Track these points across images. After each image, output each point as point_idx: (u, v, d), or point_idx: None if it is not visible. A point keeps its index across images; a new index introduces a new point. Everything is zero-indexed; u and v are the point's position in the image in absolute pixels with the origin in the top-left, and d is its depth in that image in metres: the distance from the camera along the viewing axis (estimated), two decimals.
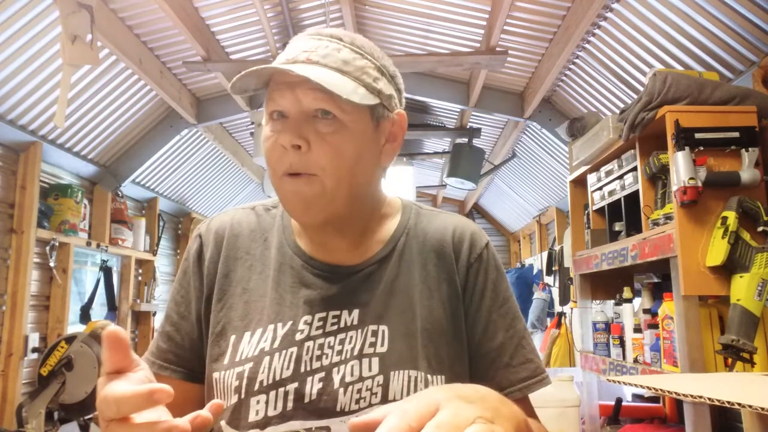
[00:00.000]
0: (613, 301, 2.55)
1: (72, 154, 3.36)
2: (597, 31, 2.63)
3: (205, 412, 0.56)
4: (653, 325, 1.96)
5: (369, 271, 0.83)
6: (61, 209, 3.29)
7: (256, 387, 0.75)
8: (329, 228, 0.82)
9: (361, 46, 0.79)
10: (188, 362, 0.83)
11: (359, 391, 0.74)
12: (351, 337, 0.78)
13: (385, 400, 0.74)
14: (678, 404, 2.42)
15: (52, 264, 3.24)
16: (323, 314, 0.79)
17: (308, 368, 0.76)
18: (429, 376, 0.77)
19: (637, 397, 2.86)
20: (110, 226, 3.85)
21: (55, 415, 2.99)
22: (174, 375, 0.83)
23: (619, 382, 1.46)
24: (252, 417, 0.75)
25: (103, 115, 3.28)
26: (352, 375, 0.75)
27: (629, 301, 2.28)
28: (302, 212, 0.77)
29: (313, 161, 0.74)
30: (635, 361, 2.09)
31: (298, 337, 0.78)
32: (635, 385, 1.13)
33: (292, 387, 0.75)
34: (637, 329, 2.10)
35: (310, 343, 0.77)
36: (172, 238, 5.04)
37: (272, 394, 0.75)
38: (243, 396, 0.75)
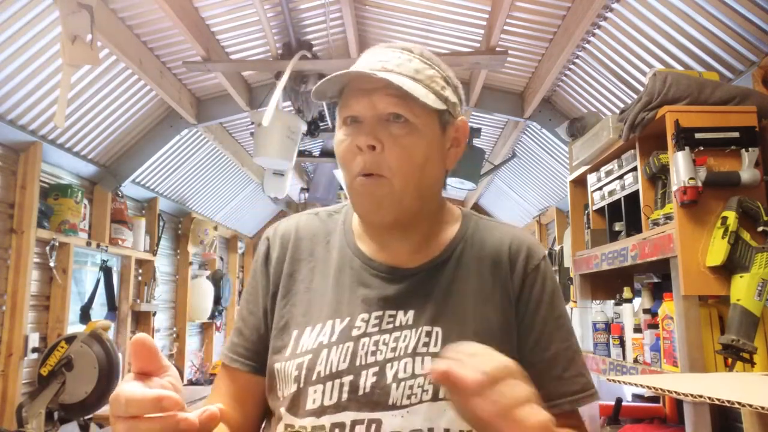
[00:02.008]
0: (613, 301, 2.55)
1: (72, 154, 3.36)
2: (597, 31, 2.63)
3: (213, 408, 0.60)
4: (653, 325, 1.96)
5: (426, 275, 0.86)
6: (61, 209, 3.28)
7: (314, 377, 0.80)
8: (395, 230, 0.86)
9: (430, 58, 0.87)
10: (256, 355, 0.88)
11: (411, 387, 0.78)
12: (405, 336, 0.81)
13: (435, 397, 0.78)
14: (678, 404, 2.42)
15: (52, 264, 3.24)
16: (379, 313, 0.83)
17: (363, 362, 0.80)
18: None
19: (637, 397, 2.86)
20: (110, 226, 3.84)
21: (55, 415, 2.99)
22: (242, 368, 0.88)
23: (619, 381, 1.47)
24: (309, 405, 0.79)
25: (103, 115, 3.28)
26: (405, 372, 0.79)
27: (629, 301, 2.27)
28: (374, 212, 0.83)
29: (385, 162, 0.80)
30: (635, 361, 2.09)
31: (355, 333, 0.82)
32: (635, 384, 1.13)
33: (347, 379, 0.79)
34: (637, 329, 2.10)
35: (365, 339, 0.81)
36: (172, 238, 5.04)
37: (329, 384, 0.79)
38: (302, 385, 0.80)
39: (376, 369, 0.79)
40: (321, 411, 0.78)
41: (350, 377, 0.79)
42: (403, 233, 0.87)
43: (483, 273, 0.87)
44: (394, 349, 0.80)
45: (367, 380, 0.78)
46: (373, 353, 0.80)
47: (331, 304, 0.85)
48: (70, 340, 2.97)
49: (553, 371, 0.83)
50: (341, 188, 5.63)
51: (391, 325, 0.82)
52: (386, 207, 0.81)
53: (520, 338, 0.85)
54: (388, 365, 0.79)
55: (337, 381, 0.79)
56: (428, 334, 0.81)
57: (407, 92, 0.77)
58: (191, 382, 4.98)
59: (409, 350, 0.80)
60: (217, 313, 5.57)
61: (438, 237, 0.90)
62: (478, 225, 0.92)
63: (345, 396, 0.78)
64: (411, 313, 0.83)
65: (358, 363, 0.79)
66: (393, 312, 0.83)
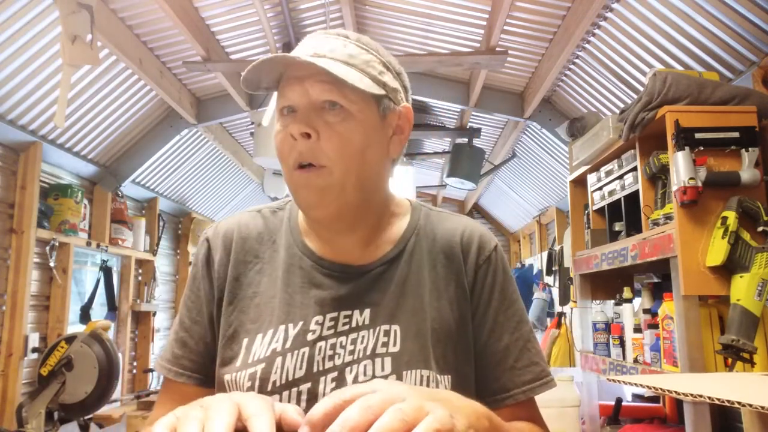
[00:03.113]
0: (613, 301, 2.55)
1: (72, 154, 3.36)
2: (597, 31, 2.63)
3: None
4: (653, 325, 1.96)
5: (379, 271, 0.83)
6: (61, 209, 3.29)
7: (269, 387, 0.75)
8: (341, 224, 0.81)
9: (367, 44, 0.81)
10: (203, 367, 0.84)
11: None
12: (363, 337, 0.78)
13: None
14: (678, 404, 2.42)
15: (52, 264, 3.24)
16: (334, 314, 0.79)
17: (321, 368, 0.76)
18: (439, 376, 0.77)
19: (637, 397, 2.86)
20: (110, 226, 3.85)
21: (55, 415, 2.99)
22: (189, 381, 0.83)
23: (619, 381, 1.46)
24: None
25: (103, 115, 3.28)
26: (365, 375, 0.75)
27: (629, 301, 2.27)
28: (315, 204, 0.78)
29: (322, 150, 0.75)
30: (635, 361, 2.09)
31: (310, 337, 0.78)
32: (635, 384, 1.13)
33: (305, 387, 0.75)
34: (637, 329, 2.10)
35: (322, 344, 0.77)
36: (172, 238, 5.04)
37: (285, 394, 0.75)
38: None
39: (334, 374, 0.75)
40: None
41: (308, 385, 0.75)
42: (350, 228, 0.82)
43: (436, 266, 0.84)
44: (352, 352, 0.77)
45: (326, 387, 0.75)
46: (331, 357, 0.76)
47: (281, 308, 0.80)
48: (70, 340, 2.97)
49: (506, 362, 0.82)
50: None
51: (347, 326, 0.78)
52: (327, 198, 0.76)
53: (475, 331, 0.83)
54: (347, 369, 0.76)
55: (295, 390, 0.75)
56: (386, 333, 0.78)
57: (340, 78, 0.73)
58: None
59: (368, 352, 0.77)
60: None
61: (388, 230, 0.86)
62: (428, 216, 0.89)
63: (304, 405, 0.74)
64: (367, 312, 0.79)
65: (315, 369, 0.76)
66: (348, 312, 0.79)
